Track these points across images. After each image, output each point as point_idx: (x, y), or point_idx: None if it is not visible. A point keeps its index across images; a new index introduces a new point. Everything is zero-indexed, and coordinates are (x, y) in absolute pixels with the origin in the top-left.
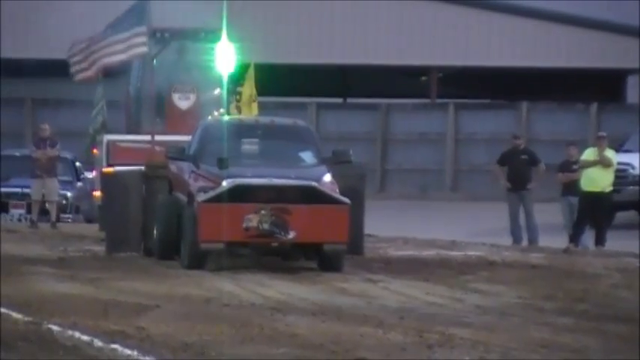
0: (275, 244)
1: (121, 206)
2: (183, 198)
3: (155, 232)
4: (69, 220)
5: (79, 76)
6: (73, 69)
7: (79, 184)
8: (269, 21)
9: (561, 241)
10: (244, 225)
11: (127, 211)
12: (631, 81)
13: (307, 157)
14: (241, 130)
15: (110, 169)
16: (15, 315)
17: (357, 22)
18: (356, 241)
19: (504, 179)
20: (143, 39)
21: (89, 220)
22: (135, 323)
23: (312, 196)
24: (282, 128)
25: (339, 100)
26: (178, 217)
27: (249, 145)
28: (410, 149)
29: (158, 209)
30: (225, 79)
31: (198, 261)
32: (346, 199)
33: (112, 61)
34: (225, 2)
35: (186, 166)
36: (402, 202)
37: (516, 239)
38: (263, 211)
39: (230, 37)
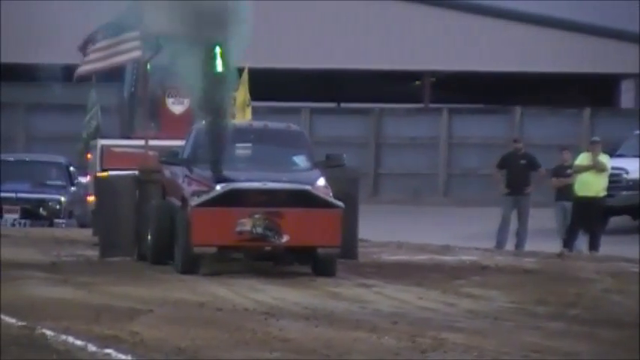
0: (268, 248)
1: (114, 211)
2: (177, 203)
3: (149, 237)
4: (62, 225)
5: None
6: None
7: (73, 188)
8: (262, 25)
9: (555, 246)
10: (237, 229)
11: (120, 216)
12: (624, 86)
13: (300, 161)
14: (235, 135)
15: (104, 174)
16: (8, 319)
17: (350, 26)
18: (350, 246)
19: (503, 183)
20: (137, 43)
21: (82, 225)
22: (128, 328)
23: (305, 199)
24: (276, 132)
25: (333, 105)
26: (172, 221)
27: (243, 150)
28: (403, 154)
29: (152, 214)
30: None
31: (192, 265)
32: (339, 203)
33: (106, 65)
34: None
35: (179, 171)
36: (394, 207)
37: (499, 243)
38: (256, 215)
39: (224, 42)
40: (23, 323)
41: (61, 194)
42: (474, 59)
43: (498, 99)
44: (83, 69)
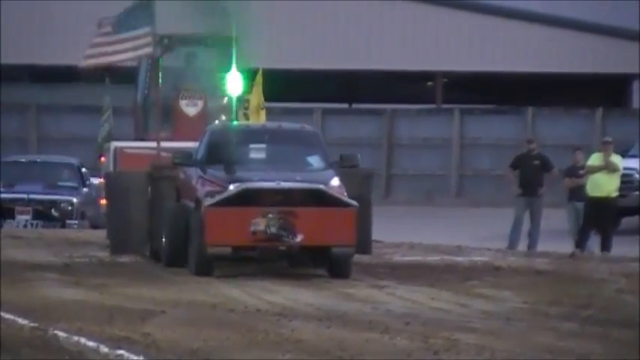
0: (282, 248)
1: (124, 208)
2: (191, 204)
3: (163, 239)
4: (74, 226)
5: (89, 62)
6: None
7: (85, 189)
8: (274, 26)
9: (567, 247)
10: (251, 229)
11: (131, 213)
12: (636, 86)
13: (315, 161)
14: (249, 135)
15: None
16: (20, 321)
17: (362, 27)
18: (364, 240)
19: (516, 184)
20: (148, 39)
21: (95, 226)
22: (140, 329)
23: (319, 198)
24: (290, 133)
25: (345, 106)
26: (186, 224)
27: (257, 150)
28: (415, 154)
29: (166, 217)
30: (233, 86)
31: (206, 267)
32: (353, 202)
33: (117, 60)
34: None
35: (193, 172)
36: (407, 208)
37: (512, 244)
38: (270, 215)
39: (237, 43)
40: (35, 325)
41: (73, 195)
42: (486, 60)
43: (510, 99)
44: (90, 62)
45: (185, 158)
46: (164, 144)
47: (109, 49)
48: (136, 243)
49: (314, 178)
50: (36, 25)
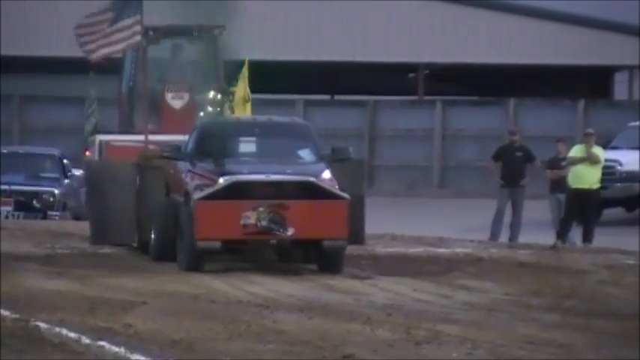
0: (273, 241)
1: (106, 198)
2: (181, 199)
3: (152, 235)
4: (56, 217)
5: (95, 55)
6: (86, 47)
7: (67, 181)
8: (257, 18)
9: (549, 238)
10: (242, 222)
11: (113, 203)
12: (618, 78)
13: (306, 154)
14: (239, 129)
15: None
16: (2, 312)
17: (345, 19)
18: (357, 231)
19: (498, 175)
20: (137, 28)
21: (77, 217)
22: (122, 320)
23: (310, 191)
24: (280, 126)
25: (327, 97)
26: (176, 219)
27: (247, 144)
28: (397, 146)
29: (155, 212)
30: (218, 78)
31: (197, 262)
32: (345, 195)
33: (108, 52)
34: (219, 1)
35: (182, 166)
36: (389, 199)
37: (494, 235)
38: (261, 208)
39: (222, 35)
40: (17, 316)
41: (54, 186)
42: (468, 51)
43: (492, 91)
44: (100, 53)
45: (174, 152)
46: (150, 137)
47: (100, 42)
48: (118, 234)
49: (305, 170)
50: (18, 16)
